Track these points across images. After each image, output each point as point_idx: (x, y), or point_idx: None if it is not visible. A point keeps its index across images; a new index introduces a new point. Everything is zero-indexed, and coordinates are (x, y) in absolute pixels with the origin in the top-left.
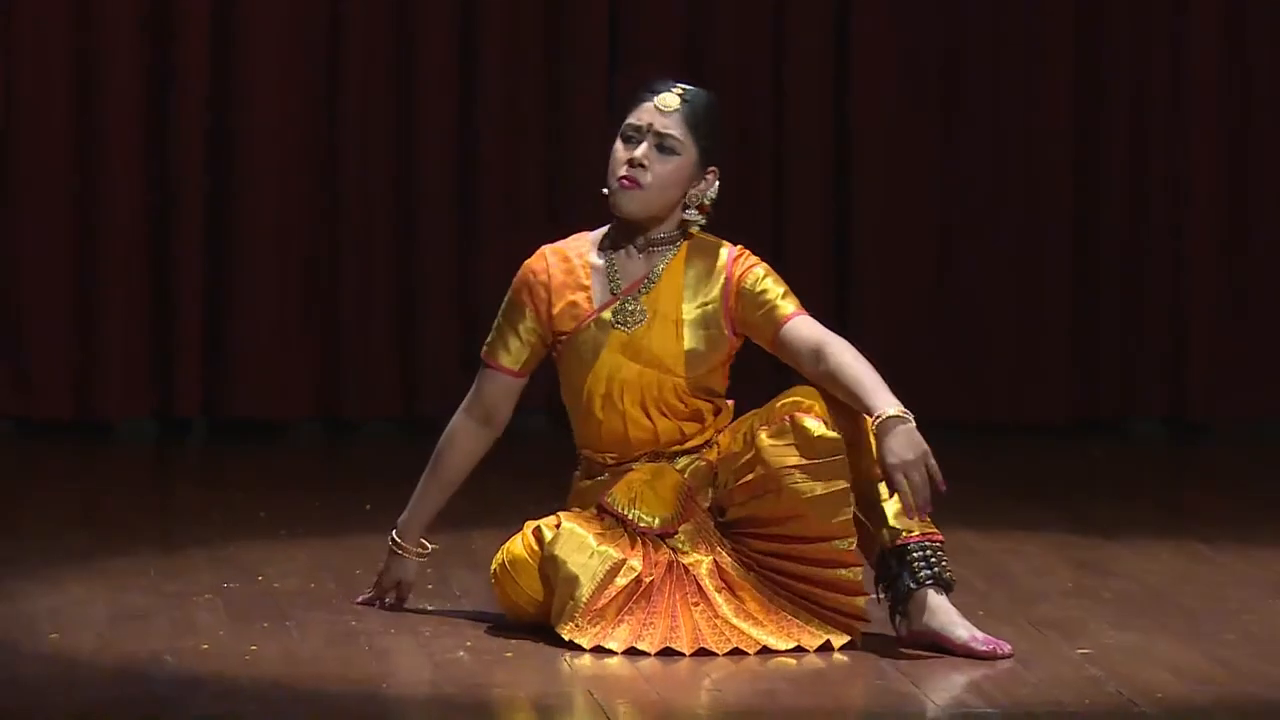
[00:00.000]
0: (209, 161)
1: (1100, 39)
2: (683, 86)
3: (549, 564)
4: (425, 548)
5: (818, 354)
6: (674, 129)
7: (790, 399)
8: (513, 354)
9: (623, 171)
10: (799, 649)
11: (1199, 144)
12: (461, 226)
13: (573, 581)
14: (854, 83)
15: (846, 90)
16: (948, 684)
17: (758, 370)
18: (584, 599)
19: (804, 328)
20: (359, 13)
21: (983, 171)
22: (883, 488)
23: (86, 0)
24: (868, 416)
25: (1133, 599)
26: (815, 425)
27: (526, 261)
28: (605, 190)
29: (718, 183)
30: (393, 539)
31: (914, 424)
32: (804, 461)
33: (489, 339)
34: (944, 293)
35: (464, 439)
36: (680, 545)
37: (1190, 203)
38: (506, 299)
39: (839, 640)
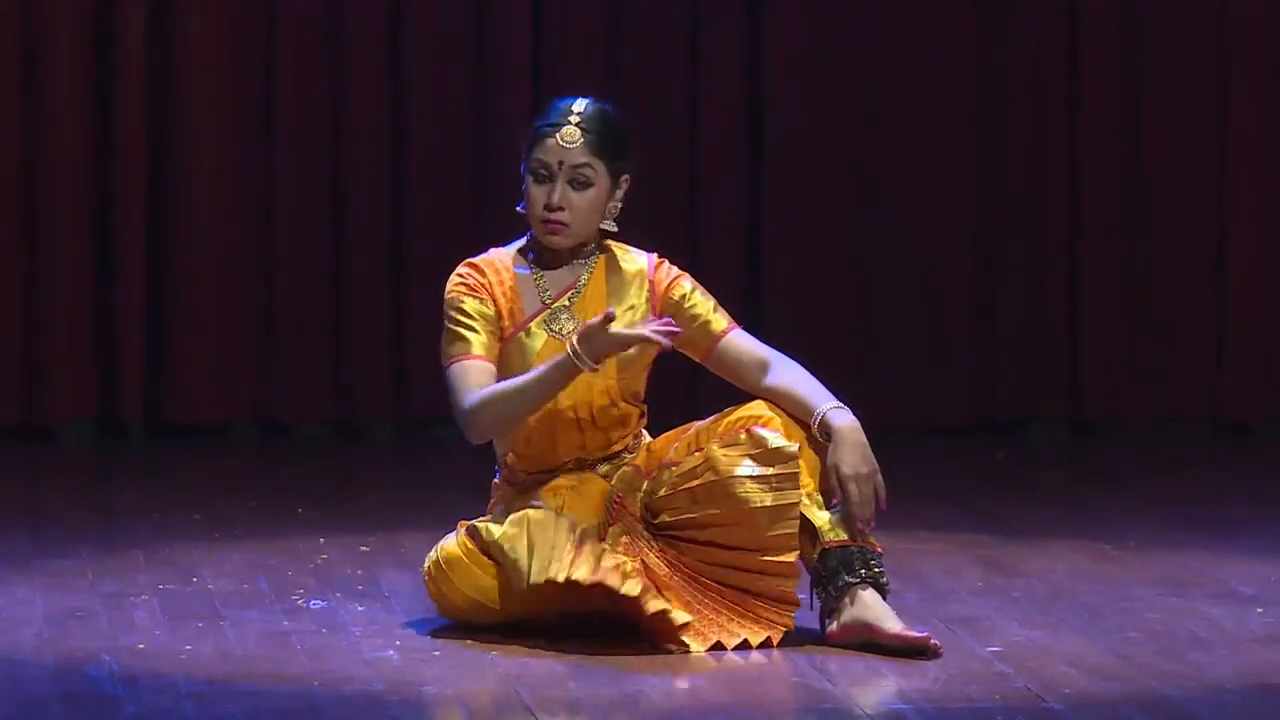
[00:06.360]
0: (150, 172)
1: (1003, 50)
2: (578, 109)
3: (516, 539)
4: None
5: (764, 366)
6: (582, 159)
7: (746, 413)
8: (483, 342)
9: (544, 217)
10: (718, 646)
11: (1096, 149)
12: (391, 238)
13: (548, 527)
14: (765, 87)
15: (759, 95)
16: (863, 680)
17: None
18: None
19: (744, 341)
20: (291, 35)
21: (887, 179)
22: (816, 501)
23: (31, 14)
24: (811, 416)
25: (1039, 597)
26: (773, 437)
27: (460, 270)
28: (521, 209)
29: (627, 184)
30: (573, 350)
31: (863, 435)
32: (757, 471)
33: (447, 347)
34: (850, 298)
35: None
36: (608, 548)
37: (1086, 208)
38: (455, 305)
39: (756, 639)
